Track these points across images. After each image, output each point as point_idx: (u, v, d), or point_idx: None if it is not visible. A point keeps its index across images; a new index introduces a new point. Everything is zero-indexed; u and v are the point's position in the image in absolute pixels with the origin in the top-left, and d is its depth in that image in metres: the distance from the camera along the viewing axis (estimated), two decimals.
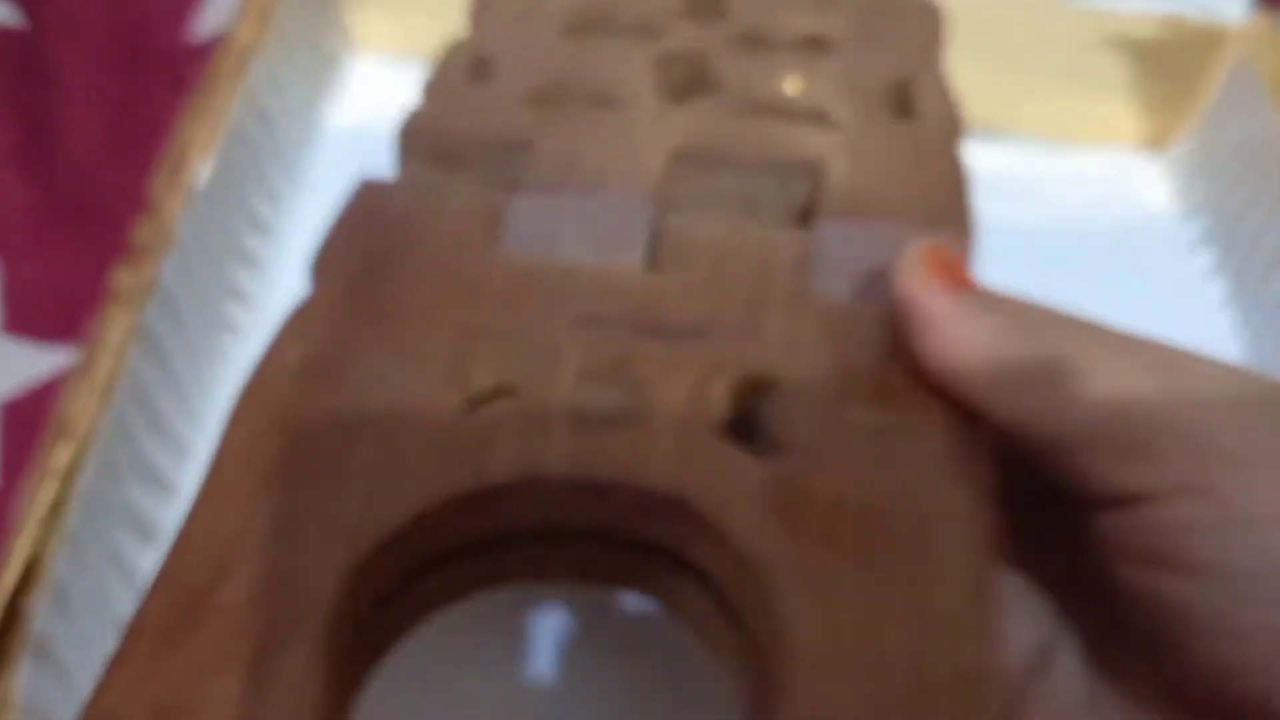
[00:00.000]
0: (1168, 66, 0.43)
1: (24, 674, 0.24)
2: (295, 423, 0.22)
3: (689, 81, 0.31)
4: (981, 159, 0.44)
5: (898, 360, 0.23)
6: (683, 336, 0.24)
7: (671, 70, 0.31)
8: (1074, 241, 0.42)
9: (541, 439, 0.22)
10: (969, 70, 0.43)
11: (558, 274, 0.25)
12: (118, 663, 0.19)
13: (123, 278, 0.29)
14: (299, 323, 0.24)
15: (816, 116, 0.29)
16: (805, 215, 0.27)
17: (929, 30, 0.34)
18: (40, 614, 0.24)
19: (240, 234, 0.35)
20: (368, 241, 0.25)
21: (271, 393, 0.22)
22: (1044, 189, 0.44)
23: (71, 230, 0.43)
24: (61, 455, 0.26)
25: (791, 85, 0.30)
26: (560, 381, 0.23)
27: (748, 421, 0.23)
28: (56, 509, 0.26)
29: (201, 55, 0.49)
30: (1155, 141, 0.45)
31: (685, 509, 0.22)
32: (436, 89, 0.30)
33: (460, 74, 0.30)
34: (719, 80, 0.31)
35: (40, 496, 0.26)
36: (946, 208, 0.26)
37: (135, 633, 0.19)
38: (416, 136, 0.29)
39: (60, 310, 0.40)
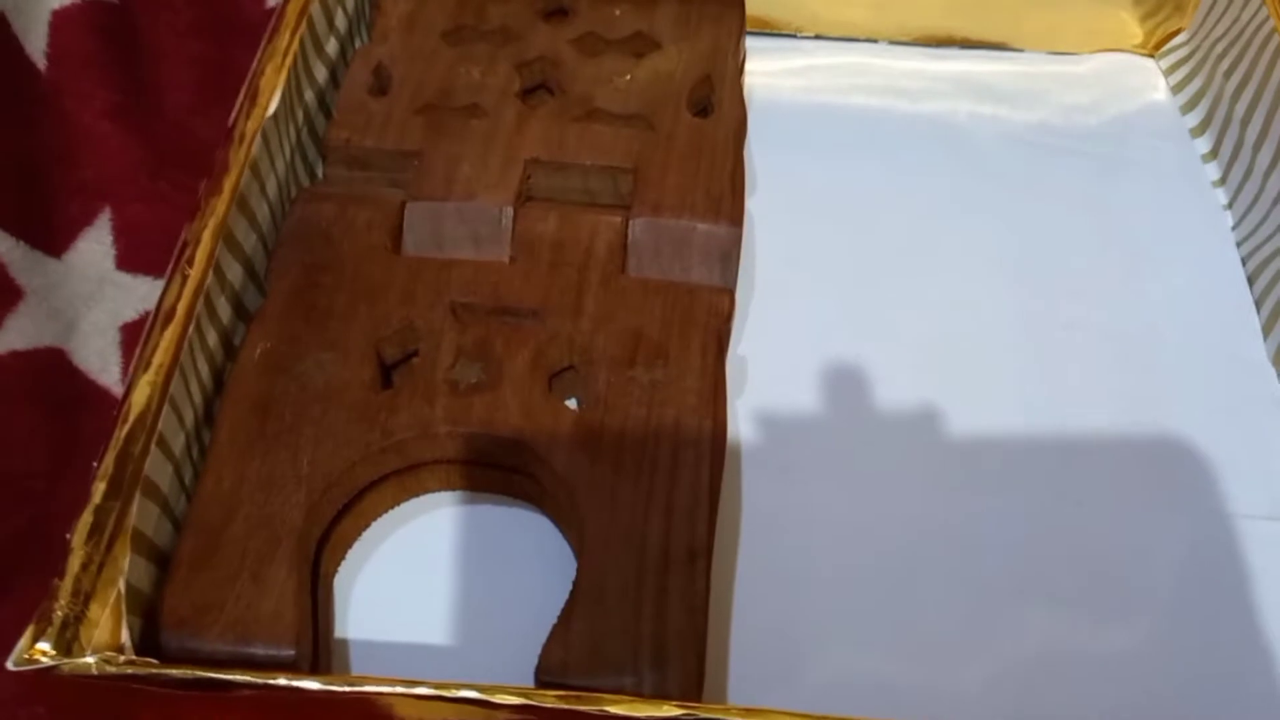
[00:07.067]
0: None
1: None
2: (264, 404, 0.32)
3: (543, 78, 0.41)
4: (987, 71, 0.47)
5: (674, 326, 0.34)
6: (526, 317, 0.34)
7: (529, 71, 0.41)
8: (1080, 136, 0.45)
9: (428, 405, 0.32)
10: None
11: (442, 270, 0.35)
12: (169, 582, 0.29)
13: (204, 190, 0.34)
14: (259, 325, 0.34)
15: (638, 118, 0.39)
16: (631, 197, 0.37)
17: (733, 21, 0.43)
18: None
19: (309, 154, 0.40)
20: (303, 255, 0.36)
21: (246, 383, 0.33)
22: (1049, 93, 0.46)
23: (170, 178, 0.47)
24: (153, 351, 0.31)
25: (620, 84, 0.40)
26: (441, 360, 0.33)
27: (572, 371, 0.34)
28: (145, 415, 0.29)
29: None
30: (1157, 44, 0.47)
31: (525, 449, 0.32)
32: (347, 102, 0.40)
33: (363, 86, 0.40)
34: (565, 82, 0.40)
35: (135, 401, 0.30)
36: (723, 197, 0.37)
37: (176, 563, 0.29)
38: (334, 149, 0.38)
39: (164, 247, 0.45)
